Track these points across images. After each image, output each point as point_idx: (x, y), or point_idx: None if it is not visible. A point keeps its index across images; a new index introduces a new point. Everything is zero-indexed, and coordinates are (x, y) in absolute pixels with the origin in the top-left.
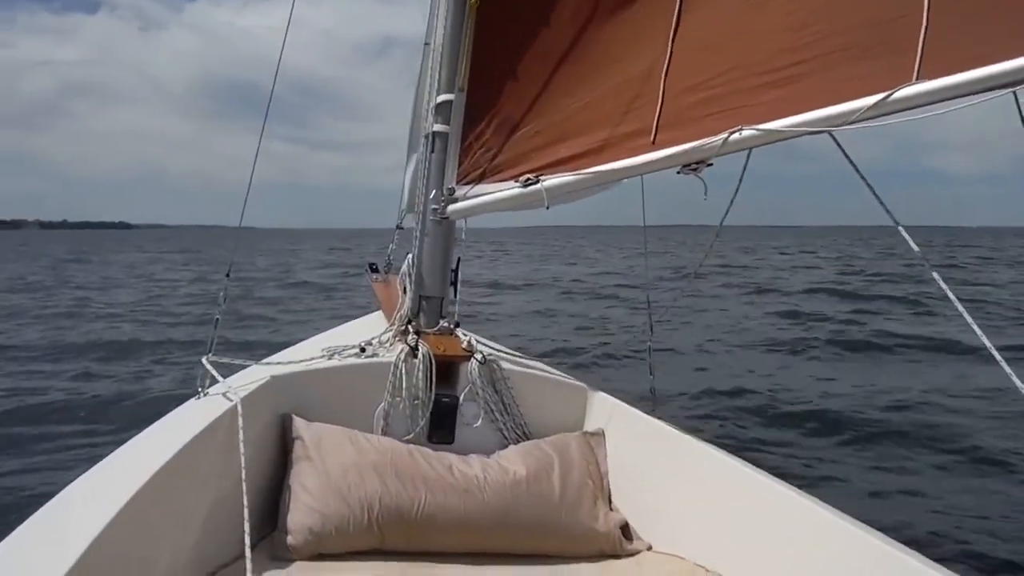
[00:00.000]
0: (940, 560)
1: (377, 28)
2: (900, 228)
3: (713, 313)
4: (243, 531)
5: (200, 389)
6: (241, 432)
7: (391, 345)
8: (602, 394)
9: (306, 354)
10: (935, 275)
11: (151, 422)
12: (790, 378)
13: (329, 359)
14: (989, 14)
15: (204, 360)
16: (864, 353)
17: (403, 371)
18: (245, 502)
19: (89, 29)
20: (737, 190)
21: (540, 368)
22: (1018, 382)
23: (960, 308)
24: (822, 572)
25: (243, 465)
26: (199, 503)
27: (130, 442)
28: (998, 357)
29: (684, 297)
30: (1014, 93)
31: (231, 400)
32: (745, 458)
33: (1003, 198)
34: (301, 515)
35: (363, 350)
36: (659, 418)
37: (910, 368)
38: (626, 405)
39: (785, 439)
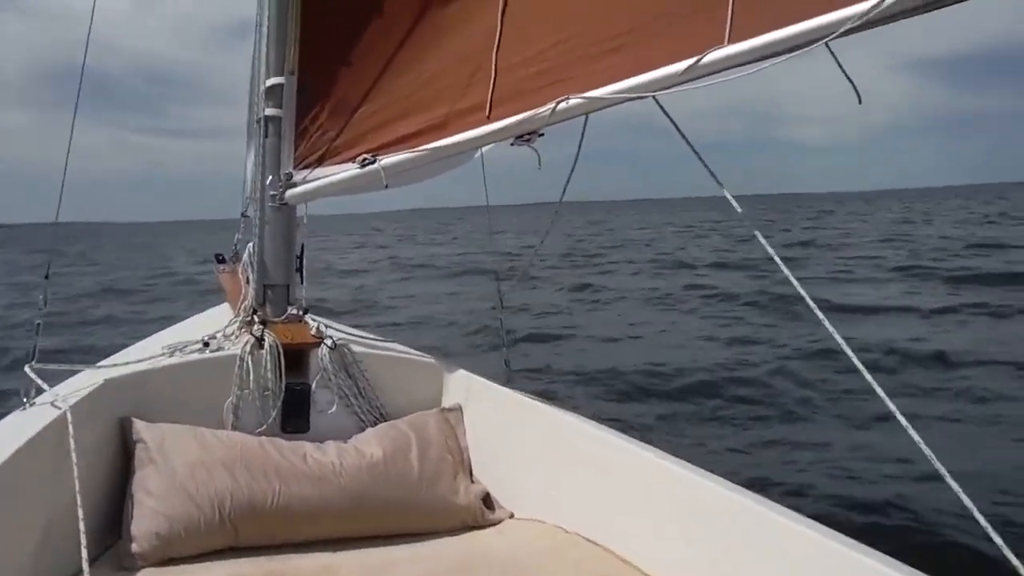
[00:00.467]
0: (791, 504)
1: (236, 9)
2: (726, 192)
3: (564, 289)
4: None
5: (25, 400)
6: (72, 441)
7: (236, 337)
8: (458, 370)
9: (145, 353)
10: (757, 234)
11: None
12: (642, 346)
13: (170, 356)
14: None
15: (27, 368)
16: (710, 319)
17: (250, 363)
18: (80, 514)
19: None
20: (574, 166)
21: (394, 349)
22: (838, 337)
23: (783, 267)
24: (680, 525)
25: (76, 475)
26: (31, 521)
27: None
28: (815, 309)
29: (536, 273)
30: (828, 47)
31: (59, 408)
32: (600, 422)
33: (849, 165)
34: (145, 520)
35: (207, 344)
36: (515, 389)
37: (756, 329)
38: (482, 379)
39: (641, 403)
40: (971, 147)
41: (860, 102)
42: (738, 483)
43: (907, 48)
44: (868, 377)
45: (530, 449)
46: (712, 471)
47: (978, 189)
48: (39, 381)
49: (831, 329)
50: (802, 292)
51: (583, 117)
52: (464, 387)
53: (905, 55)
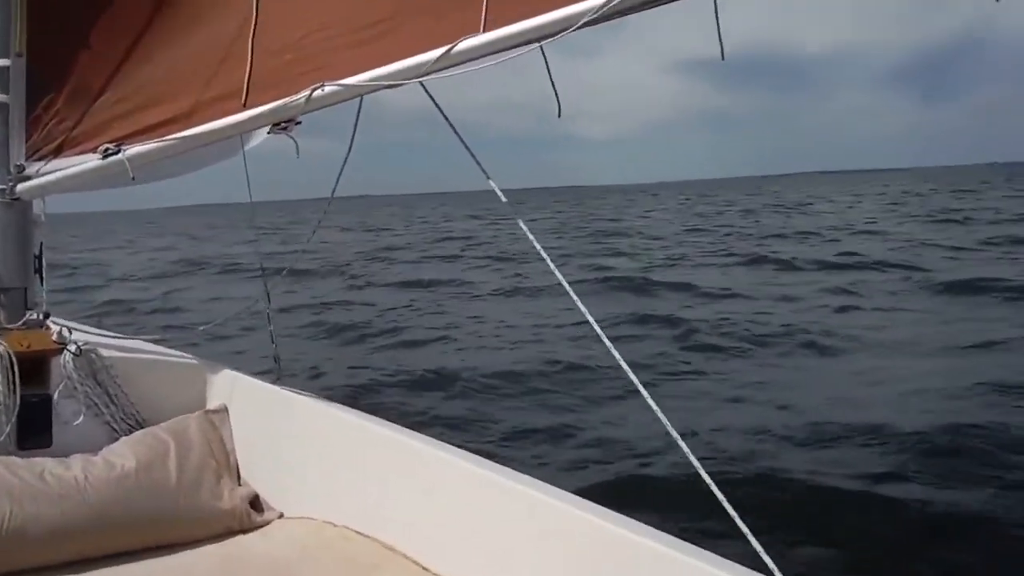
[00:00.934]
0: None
1: None
2: (491, 182)
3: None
4: None
5: None
6: None
7: None
8: (223, 369)
9: None
10: (521, 224)
11: None
12: (412, 339)
13: None
14: None
15: None
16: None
17: None
18: None
19: None
20: (346, 159)
21: (150, 351)
22: (589, 316)
23: (542, 252)
24: (448, 510)
25: None
26: None
27: None
28: (569, 289)
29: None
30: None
31: None
32: (377, 414)
33: (630, 159)
34: None
35: None
36: (285, 386)
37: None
38: (249, 377)
39: (411, 392)
40: (737, 141)
41: (560, 115)
42: (514, 468)
43: (678, 49)
44: (615, 353)
45: (300, 446)
46: (490, 458)
47: (744, 181)
48: None
49: (582, 308)
50: (557, 274)
51: (357, 108)
52: (230, 386)
53: (676, 56)
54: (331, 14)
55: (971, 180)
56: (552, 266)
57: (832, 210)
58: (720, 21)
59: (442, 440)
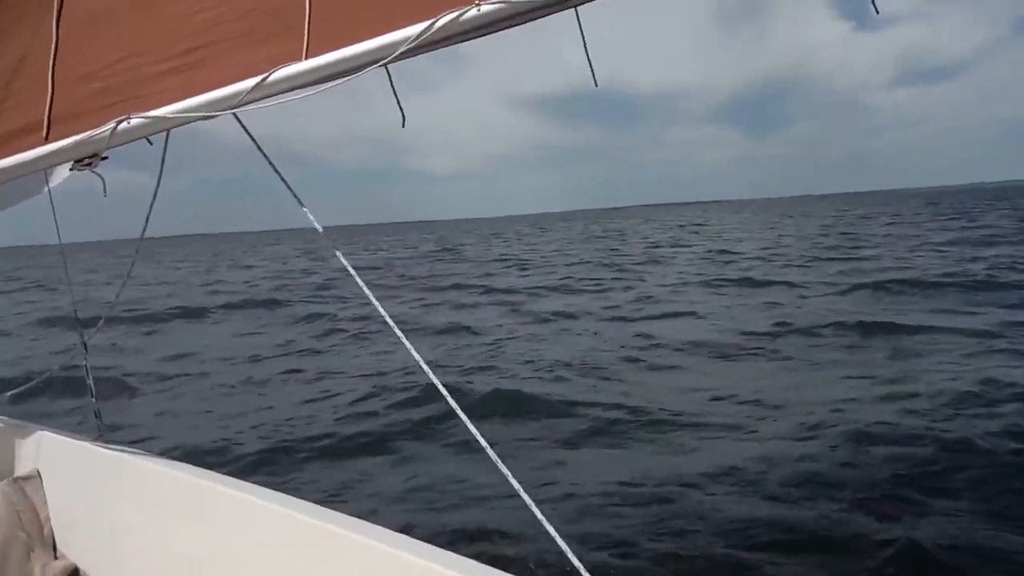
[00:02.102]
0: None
1: None
2: (307, 213)
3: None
4: None
5: None
6: None
7: None
8: (36, 430)
9: None
10: (338, 254)
11: None
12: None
13: None
14: (362, 3)
15: None
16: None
17: None
18: None
19: None
20: (155, 196)
21: None
22: (416, 355)
23: (362, 286)
24: (280, 560)
25: None
26: None
27: None
28: (394, 327)
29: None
30: (387, 68)
31: None
32: (213, 468)
33: (472, 192)
34: None
35: None
36: (107, 445)
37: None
38: (65, 437)
39: (245, 443)
40: (574, 176)
41: (403, 125)
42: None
43: (515, 85)
44: (452, 403)
45: (124, 509)
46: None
47: (586, 214)
48: None
49: (409, 347)
50: (381, 310)
51: (163, 143)
52: (44, 450)
53: (514, 91)
54: (142, 39)
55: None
56: (375, 302)
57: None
58: (556, 57)
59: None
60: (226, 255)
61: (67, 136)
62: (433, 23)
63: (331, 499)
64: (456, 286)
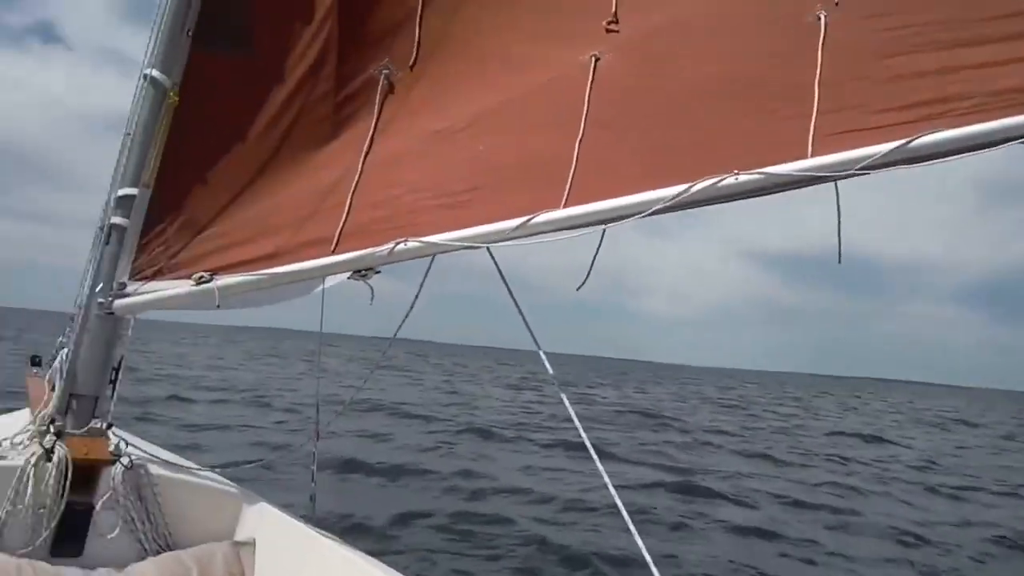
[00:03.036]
0: None
1: (114, 103)
2: (541, 353)
3: (383, 425)
4: None
5: None
6: None
7: (24, 447)
8: (258, 500)
9: None
10: (563, 397)
11: None
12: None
13: None
14: (623, 161)
15: None
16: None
17: (31, 476)
18: None
19: None
20: (411, 307)
21: (197, 473)
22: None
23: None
24: None
25: None
26: None
27: None
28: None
29: (352, 410)
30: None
31: None
32: (401, 569)
33: (688, 338)
34: None
35: None
36: (317, 528)
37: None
38: (281, 512)
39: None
40: (795, 337)
41: (579, 288)
42: None
43: (750, 240)
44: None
45: None
46: None
47: (799, 378)
48: None
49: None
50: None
51: (429, 263)
52: (261, 519)
53: (748, 246)
54: (425, 178)
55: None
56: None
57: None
58: (795, 215)
59: None
60: (457, 368)
61: (350, 250)
62: (690, 187)
63: None
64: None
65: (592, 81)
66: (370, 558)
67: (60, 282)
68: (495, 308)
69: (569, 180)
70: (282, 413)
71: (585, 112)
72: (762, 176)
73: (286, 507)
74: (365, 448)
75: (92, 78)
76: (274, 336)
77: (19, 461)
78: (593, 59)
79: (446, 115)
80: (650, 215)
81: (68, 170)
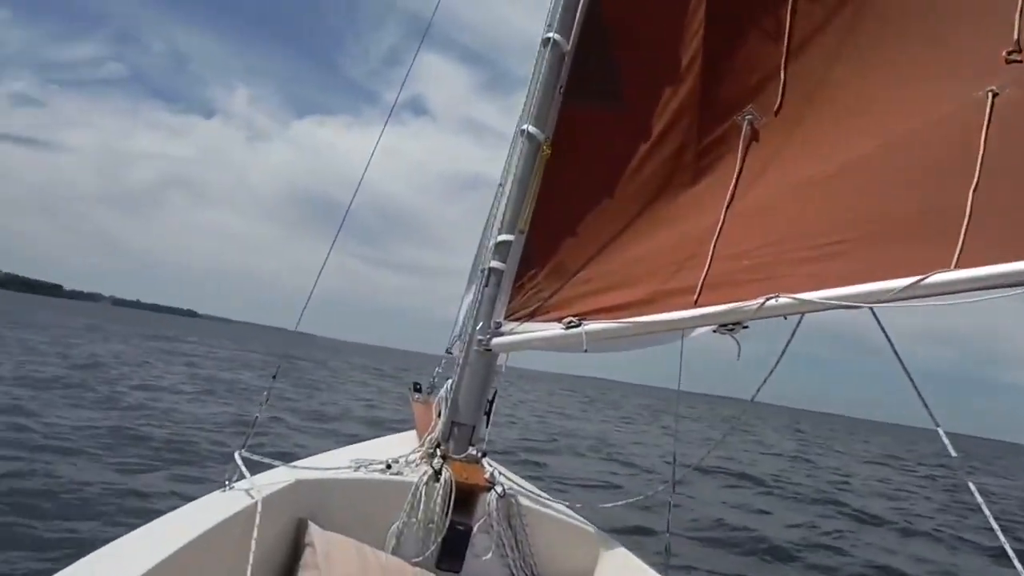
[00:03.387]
0: None
1: (466, 166)
2: (939, 430)
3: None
4: None
5: (227, 482)
6: (256, 530)
7: (416, 466)
8: (617, 545)
9: (334, 462)
10: (970, 484)
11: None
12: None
13: (355, 471)
14: None
15: (237, 454)
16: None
17: (423, 493)
18: None
19: (201, 131)
20: (777, 364)
21: (558, 509)
22: None
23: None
24: None
25: (251, 562)
26: None
27: (144, 528)
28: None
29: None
30: None
31: (253, 498)
32: None
33: None
34: None
35: (389, 467)
36: None
37: None
38: (637, 559)
39: None
40: None
41: None
42: None
43: None
44: None
45: None
46: None
47: None
48: (243, 468)
49: None
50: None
51: (796, 319)
52: (619, 562)
53: None
54: (791, 229)
55: None
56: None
57: None
58: None
59: None
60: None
61: (712, 302)
62: None
63: None
64: None
65: (989, 120)
66: None
67: (418, 325)
68: (851, 373)
69: (962, 235)
70: (633, 468)
71: (981, 155)
72: None
73: (641, 554)
74: (717, 508)
75: (450, 146)
76: (604, 386)
77: (413, 478)
78: (990, 95)
79: (816, 162)
80: None
81: (428, 227)
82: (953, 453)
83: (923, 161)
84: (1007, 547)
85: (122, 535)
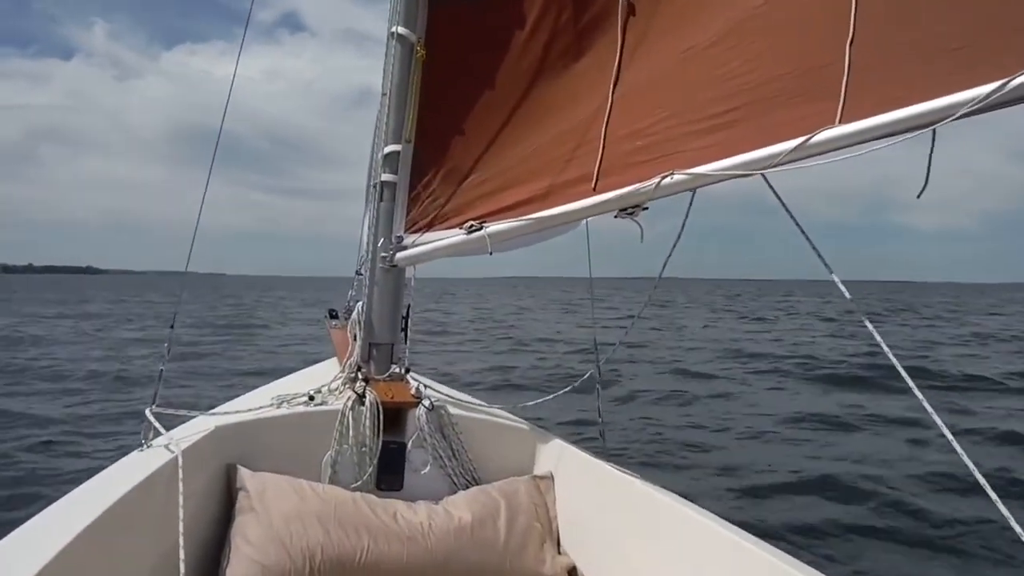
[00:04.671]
0: None
1: (355, 78)
2: (834, 278)
3: (660, 359)
4: None
5: (143, 441)
6: (181, 484)
7: (340, 393)
8: (552, 437)
9: (255, 403)
10: (867, 323)
11: (89, 477)
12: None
13: (277, 408)
14: (906, 60)
15: (147, 412)
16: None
17: (350, 419)
18: (182, 555)
19: (63, 75)
20: (677, 241)
21: (489, 412)
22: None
23: (892, 358)
24: None
25: (181, 518)
26: (137, 558)
27: (62, 500)
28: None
29: (629, 345)
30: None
31: (173, 452)
32: (695, 502)
33: (962, 254)
34: (242, 568)
35: (312, 398)
36: (609, 462)
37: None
38: (576, 448)
39: (733, 483)
40: None
41: (919, 196)
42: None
43: None
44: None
45: (620, 523)
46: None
47: None
48: (157, 424)
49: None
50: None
51: (689, 193)
52: (557, 455)
53: None
54: (680, 102)
55: None
56: (898, 365)
57: None
58: None
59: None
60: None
61: (611, 187)
62: (1006, 83)
63: None
64: None
65: None
66: (666, 491)
67: (341, 249)
68: (745, 238)
69: (843, 90)
70: (561, 356)
71: (854, 8)
72: None
73: (578, 442)
74: (644, 386)
75: (336, 61)
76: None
77: (338, 405)
78: None
79: (696, 31)
80: (951, 121)
81: (329, 148)
82: (848, 296)
83: (800, 19)
84: (888, 353)
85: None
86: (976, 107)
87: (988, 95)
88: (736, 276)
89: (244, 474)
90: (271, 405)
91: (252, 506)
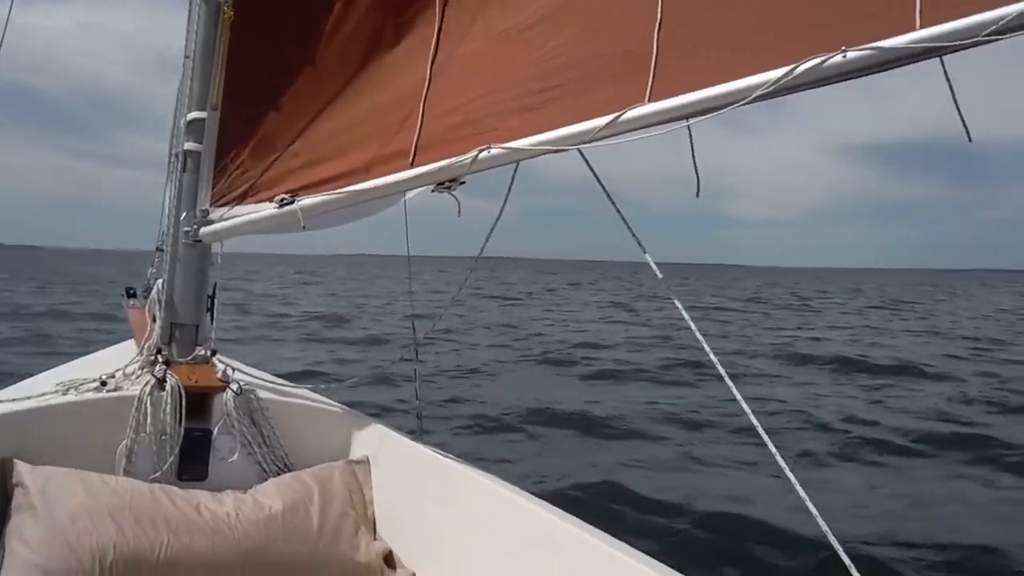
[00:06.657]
0: None
1: (181, 36)
2: (647, 257)
3: (478, 340)
4: None
5: None
6: None
7: (137, 377)
8: (368, 421)
9: (36, 390)
10: (676, 302)
11: None
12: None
13: (64, 395)
14: (709, 45)
15: None
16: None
17: (148, 405)
18: None
19: None
20: (498, 217)
21: (303, 396)
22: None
23: (696, 331)
24: None
25: None
26: None
27: None
28: (717, 364)
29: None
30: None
31: None
32: (512, 482)
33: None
34: (18, 572)
35: (104, 384)
36: (426, 444)
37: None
38: (393, 432)
39: (546, 453)
40: (900, 232)
41: (698, 195)
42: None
43: (843, 134)
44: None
45: (437, 507)
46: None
47: (910, 274)
48: None
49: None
50: (707, 349)
51: (512, 171)
52: (373, 439)
53: (841, 140)
54: (498, 81)
55: None
56: (706, 347)
57: None
58: (888, 104)
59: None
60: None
61: (428, 162)
62: (794, 69)
63: None
64: None
65: None
66: (483, 472)
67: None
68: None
69: (652, 71)
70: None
71: None
72: (874, 52)
73: (395, 426)
74: (464, 364)
75: (160, 12)
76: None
77: (135, 391)
78: None
79: (515, 11)
80: (750, 103)
81: (151, 112)
82: (659, 276)
83: (612, 5)
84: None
85: None
86: (768, 90)
87: (778, 79)
88: (568, 257)
89: (21, 468)
90: (56, 392)
91: (31, 503)
